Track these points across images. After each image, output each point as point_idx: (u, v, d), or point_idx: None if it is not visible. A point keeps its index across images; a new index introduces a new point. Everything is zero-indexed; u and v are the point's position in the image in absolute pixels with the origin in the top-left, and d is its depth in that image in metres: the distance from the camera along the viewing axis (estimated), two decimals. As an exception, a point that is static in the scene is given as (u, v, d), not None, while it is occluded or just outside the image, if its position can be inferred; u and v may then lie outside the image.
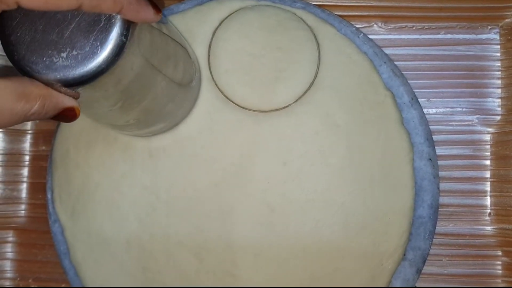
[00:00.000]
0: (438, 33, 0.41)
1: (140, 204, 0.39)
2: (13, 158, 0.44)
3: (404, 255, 0.38)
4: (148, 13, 0.27)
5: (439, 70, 0.41)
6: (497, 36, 0.41)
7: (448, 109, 0.41)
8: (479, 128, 0.41)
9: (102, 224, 0.39)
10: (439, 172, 0.39)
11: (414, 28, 0.41)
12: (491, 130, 0.41)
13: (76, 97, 0.27)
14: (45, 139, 0.43)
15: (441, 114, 0.41)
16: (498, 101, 0.41)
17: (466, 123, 0.41)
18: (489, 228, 0.40)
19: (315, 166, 0.38)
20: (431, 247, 0.39)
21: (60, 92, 0.26)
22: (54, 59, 0.25)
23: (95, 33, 0.26)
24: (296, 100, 0.38)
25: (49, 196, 0.41)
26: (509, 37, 0.41)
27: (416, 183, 0.38)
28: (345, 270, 0.38)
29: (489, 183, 0.40)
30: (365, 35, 0.40)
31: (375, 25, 0.42)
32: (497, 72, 0.41)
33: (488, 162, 0.40)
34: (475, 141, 0.41)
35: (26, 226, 0.43)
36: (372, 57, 0.39)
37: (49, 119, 0.27)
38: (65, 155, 0.40)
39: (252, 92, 0.38)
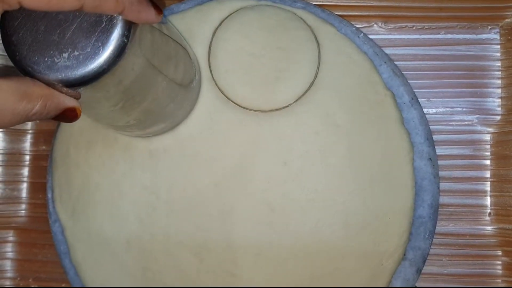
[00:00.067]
0: (438, 33, 0.41)
1: (140, 204, 0.39)
2: (13, 157, 0.44)
3: (404, 255, 0.38)
4: (149, 13, 0.27)
5: (439, 70, 0.41)
6: (497, 36, 0.41)
7: (448, 109, 0.41)
8: (479, 128, 0.41)
9: (102, 224, 0.39)
10: (439, 172, 0.39)
11: (414, 28, 0.41)
12: (491, 130, 0.41)
13: (77, 98, 0.27)
14: (46, 139, 0.44)
15: (441, 114, 0.41)
16: (498, 101, 0.41)
17: (466, 123, 0.41)
18: (489, 228, 0.40)
19: (315, 166, 0.38)
20: (431, 247, 0.39)
21: (62, 92, 0.26)
22: (55, 59, 0.25)
23: (96, 33, 0.26)
24: (296, 100, 0.38)
25: (49, 195, 0.41)
26: (509, 37, 0.41)
27: (416, 183, 0.38)
28: (345, 269, 0.38)
29: (489, 183, 0.40)
30: (365, 35, 0.40)
31: (375, 25, 0.42)
32: (497, 72, 0.41)
33: (488, 162, 0.40)
34: (475, 141, 0.41)
35: (26, 226, 0.43)
36: (372, 57, 0.39)
37: (50, 119, 0.27)
38: (66, 155, 0.40)
39: (252, 92, 0.38)
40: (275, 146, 0.38)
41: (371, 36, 0.41)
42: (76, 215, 0.40)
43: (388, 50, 0.41)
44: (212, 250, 0.38)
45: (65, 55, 0.25)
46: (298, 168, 0.38)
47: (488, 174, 0.40)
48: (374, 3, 0.41)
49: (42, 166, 0.43)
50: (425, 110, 0.40)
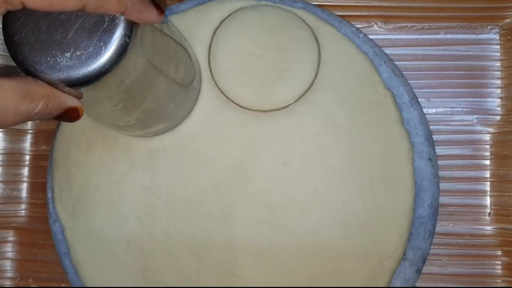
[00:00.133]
0: (438, 33, 0.41)
1: (140, 204, 0.39)
2: (13, 157, 0.44)
3: (404, 254, 0.38)
4: (151, 14, 0.27)
5: (439, 70, 0.41)
6: (497, 36, 0.41)
7: (448, 109, 0.41)
8: (479, 128, 0.41)
9: (102, 224, 0.39)
10: (439, 172, 0.39)
11: (414, 28, 0.41)
12: (491, 130, 0.41)
13: (79, 97, 0.27)
14: (46, 138, 0.43)
15: (441, 114, 0.41)
16: (498, 101, 0.41)
17: (466, 123, 0.41)
18: (489, 228, 0.40)
19: (315, 166, 0.38)
20: (431, 246, 0.39)
21: (64, 92, 0.26)
22: (58, 59, 0.26)
23: (98, 33, 0.26)
24: (296, 100, 0.38)
25: (49, 195, 0.41)
26: (509, 37, 0.41)
27: (416, 183, 0.38)
28: (345, 269, 0.38)
29: (489, 183, 0.40)
30: (365, 35, 0.40)
31: (375, 25, 0.42)
32: (497, 72, 0.41)
33: (488, 162, 0.40)
34: (475, 141, 0.41)
35: (26, 226, 0.43)
36: (372, 57, 0.39)
37: (52, 119, 0.27)
38: (66, 154, 0.40)
39: (253, 92, 0.38)
40: (275, 146, 0.38)
41: (371, 36, 0.41)
42: (76, 215, 0.40)
43: (388, 50, 0.41)
44: (212, 250, 0.38)
45: (68, 54, 0.26)
46: (298, 168, 0.38)
47: (488, 174, 0.40)
48: (374, 3, 0.41)
49: (42, 166, 0.43)
50: (425, 110, 0.40)
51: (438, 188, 0.39)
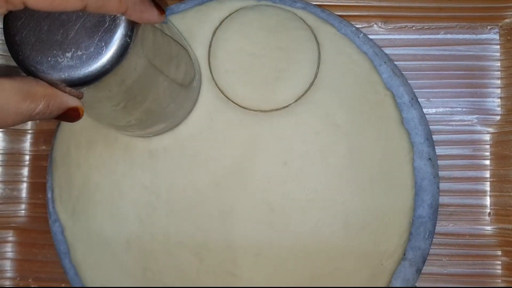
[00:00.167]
0: (438, 33, 0.41)
1: (140, 204, 0.39)
2: (13, 157, 0.44)
3: (404, 254, 0.38)
4: (152, 14, 0.27)
5: (439, 70, 0.41)
6: (497, 36, 0.41)
7: (448, 109, 0.41)
8: (479, 128, 0.41)
9: (102, 224, 0.39)
10: (439, 172, 0.39)
11: (414, 28, 0.41)
12: (490, 130, 0.41)
13: (80, 97, 0.27)
14: (45, 138, 0.43)
15: (441, 114, 0.41)
16: (498, 101, 0.41)
17: (465, 123, 0.41)
18: (488, 228, 0.40)
19: (315, 166, 0.38)
20: (431, 247, 0.39)
21: (65, 92, 0.26)
22: (59, 59, 0.26)
23: (99, 33, 0.26)
24: (296, 100, 0.38)
25: (49, 195, 0.41)
26: (509, 37, 0.41)
27: (416, 183, 0.38)
28: (345, 269, 0.38)
29: (488, 183, 0.40)
30: (365, 35, 0.40)
31: (375, 25, 0.42)
32: (497, 72, 0.41)
33: (487, 162, 0.40)
34: (475, 141, 0.41)
35: (26, 226, 0.43)
36: (372, 57, 0.39)
37: (52, 119, 0.27)
38: (66, 154, 0.40)
39: (252, 92, 0.38)
40: (275, 146, 0.38)
41: (371, 36, 0.41)
42: (76, 215, 0.40)
43: (388, 50, 0.41)
44: (212, 250, 0.38)
45: (69, 54, 0.26)
46: (298, 168, 0.38)
47: (487, 174, 0.40)
48: (374, 3, 0.41)
49: (42, 166, 0.43)
50: (425, 110, 0.40)
51: (438, 188, 0.39)
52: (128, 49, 0.26)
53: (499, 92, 0.41)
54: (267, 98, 0.38)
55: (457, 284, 0.40)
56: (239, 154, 0.38)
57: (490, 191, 0.40)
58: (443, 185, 0.40)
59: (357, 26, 0.41)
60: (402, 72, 0.40)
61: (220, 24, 0.39)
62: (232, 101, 0.39)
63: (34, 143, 0.44)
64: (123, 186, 0.39)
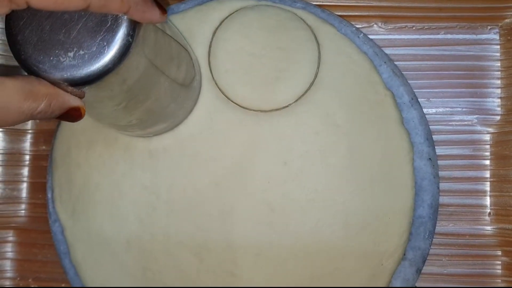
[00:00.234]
0: (438, 33, 0.41)
1: (140, 204, 0.39)
2: (13, 157, 0.44)
3: (404, 254, 0.38)
4: (154, 13, 0.27)
5: (439, 70, 0.41)
6: (497, 36, 0.41)
7: (448, 109, 0.41)
8: (479, 128, 0.41)
9: (102, 224, 0.39)
10: (439, 172, 0.39)
11: (414, 28, 0.41)
12: (490, 130, 0.41)
13: (81, 97, 0.27)
14: (46, 138, 0.43)
15: (441, 114, 0.41)
16: (498, 101, 0.41)
17: (465, 123, 0.41)
18: (488, 228, 0.40)
19: (315, 166, 0.38)
20: (431, 247, 0.39)
21: (67, 91, 0.26)
22: (61, 58, 0.26)
23: (102, 33, 0.26)
24: (296, 100, 0.38)
25: (49, 195, 0.41)
26: (509, 37, 0.41)
27: (416, 183, 0.38)
28: (345, 269, 0.38)
29: (488, 183, 0.40)
30: (365, 35, 0.40)
31: (375, 25, 0.42)
32: (497, 72, 0.41)
33: (487, 162, 0.40)
34: (475, 141, 0.41)
35: (26, 226, 0.43)
36: (372, 57, 0.39)
37: (53, 119, 0.27)
38: (66, 154, 0.40)
39: (253, 92, 0.38)
40: (275, 146, 0.38)
41: (371, 36, 0.41)
42: (76, 215, 0.40)
43: (388, 50, 0.41)
44: (212, 250, 0.38)
45: (71, 54, 0.26)
46: (298, 168, 0.38)
47: (487, 174, 0.40)
48: (374, 3, 0.41)
49: (42, 166, 0.43)
50: (425, 110, 0.40)
51: (438, 188, 0.39)
52: (130, 49, 0.26)
53: (499, 92, 0.41)
54: (267, 98, 0.38)
55: (457, 284, 0.40)
56: (239, 154, 0.38)
57: (490, 191, 0.40)
58: (443, 185, 0.40)
59: (357, 26, 0.41)
60: (402, 72, 0.40)
61: (220, 24, 0.39)
62: (232, 101, 0.39)
63: (34, 143, 0.44)
64: (123, 186, 0.39)
